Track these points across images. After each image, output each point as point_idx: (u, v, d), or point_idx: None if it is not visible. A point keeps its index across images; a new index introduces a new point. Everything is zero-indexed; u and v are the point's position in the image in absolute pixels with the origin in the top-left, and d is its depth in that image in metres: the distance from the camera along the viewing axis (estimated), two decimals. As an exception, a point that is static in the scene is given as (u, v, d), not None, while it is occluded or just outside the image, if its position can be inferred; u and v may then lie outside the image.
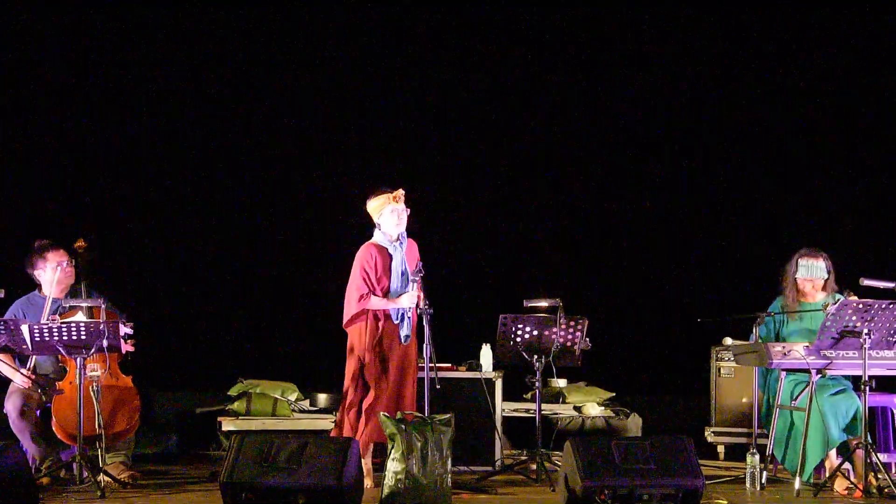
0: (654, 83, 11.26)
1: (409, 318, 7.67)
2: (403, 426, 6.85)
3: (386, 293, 7.74)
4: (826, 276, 7.96)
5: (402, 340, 7.73)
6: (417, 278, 7.61)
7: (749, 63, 11.19)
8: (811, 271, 7.96)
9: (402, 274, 7.73)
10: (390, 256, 7.78)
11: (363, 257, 7.75)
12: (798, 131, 11.15)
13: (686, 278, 11.14)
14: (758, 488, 7.59)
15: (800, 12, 10.95)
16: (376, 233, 7.82)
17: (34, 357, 7.72)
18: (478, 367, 8.62)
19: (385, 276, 7.75)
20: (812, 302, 7.99)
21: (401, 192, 7.74)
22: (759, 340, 7.83)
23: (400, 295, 7.71)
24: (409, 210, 7.78)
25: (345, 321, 7.84)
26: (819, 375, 7.52)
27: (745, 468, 7.64)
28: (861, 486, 7.31)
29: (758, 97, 11.20)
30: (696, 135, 11.29)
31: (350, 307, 7.77)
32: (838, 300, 7.51)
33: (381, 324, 7.74)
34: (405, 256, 7.80)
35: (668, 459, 6.76)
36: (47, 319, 7.62)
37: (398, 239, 7.79)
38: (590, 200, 11.37)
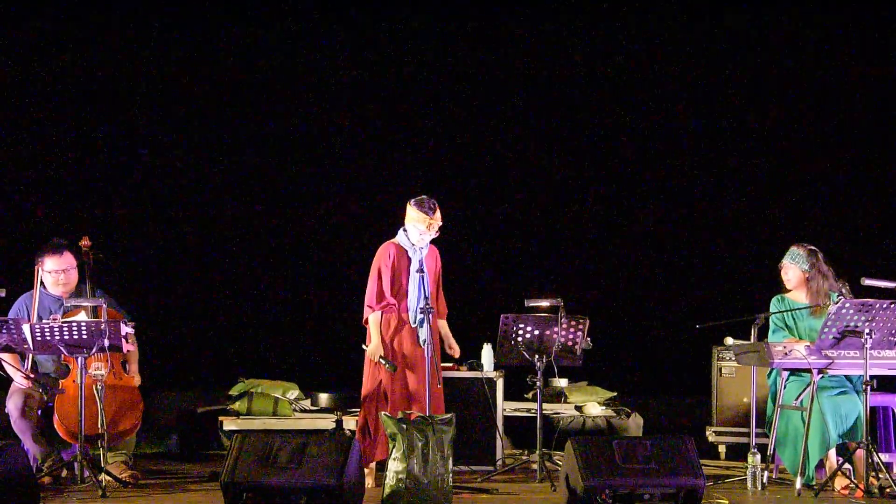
0: (655, 86, 11.27)
1: (428, 321, 7.69)
2: (404, 426, 6.85)
3: (402, 292, 7.81)
4: (805, 268, 7.91)
5: (420, 343, 7.75)
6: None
7: (749, 65, 11.20)
8: (787, 256, 7.97)
9: (418, 271, 7.78)
10: (409, 259, 7.86)
11: (381, 257, 7.87)
12: (797, 133, 11.15)
13: (687, 278, 11.13)
14: (759, 488, 7.59)
15: (797, 13, 10.96)
16: (401, 234, 7.89)
17: (30, 356, 7.71)
18: (479, 367, 8.63)
19: (402, 275, 7.85)
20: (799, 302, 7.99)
21: (438, 223, 7.81)
22: (766, 339, 7.84)
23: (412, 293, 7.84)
24: (437, 234, 7.85)
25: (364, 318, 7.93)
26: (820, 375, 7.52)
27: (747, 468, 7.64)
28: (862, 486, 7.31)
29: (756, 101, 11.20)
30: (697, 135, 11.29)
31: (367, 302, 7.87)
32: (839, 300, 7.51)
33: (398, 323, 7.80)
34: (424, 258, 7.87)
35: (669, 459, 6.75)
36: (49, 319, 7.63)
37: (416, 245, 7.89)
38: (590, 200, 11.37)
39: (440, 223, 7.83)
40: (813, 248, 7.97)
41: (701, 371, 9.50)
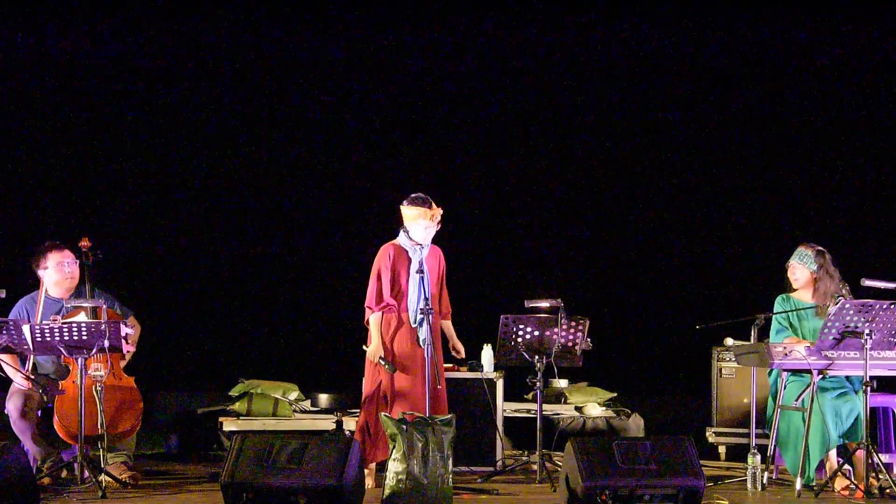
0: (655, 86, 11.27)
1: (428, 322, 7.68)
2: (404, 426, 6.85)
3: (402, 293, 7.80)
4: (813, 269, 7.92)
5: (420, 343, 7.74)
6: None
7: (748, 65, 11.20)
8: (795, 256, 7.97)
9: (418, 272, 7.75)
10: (409, 259, 7.85)
11: (381, 258, 7.85)
12: (797, 134, 11.15)
13: (687, 278, 11.13)
14: (759, 489, 7.59)
15: (796, 12, 10.97)
16: (402, 234, 7.86)
17: (31, 357, 7.72)
18: (479, 368, 8.63)
19: (402, 275, 7.83)
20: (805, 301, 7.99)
21: (439, 212, 7.81)
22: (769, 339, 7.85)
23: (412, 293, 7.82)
24: (439, 226, 7.83)
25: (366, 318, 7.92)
26: (820, 376, 7.52)
27: (747, 469, 7.64)
28: (862, 487, 7.31)
29: (756, 100, 11.20)
30: (696, 135, 11.29)
31: (367, 303, 7.86)
32: (839, 301, 7.50)
33: (398, 324, 7.80)
34: (424, 259, 7.84)
35: (669, 460, 6.76)
36: (49, 320, 7.62)
37: (420, 244, 7.84)
38: (591, 200, 11.37)
39: (441, 212, 7.81)
40: (821, 248, 7.97)
41: (701, 371, 9.50)
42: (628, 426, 9.44)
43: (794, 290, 8.04)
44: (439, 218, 7.81)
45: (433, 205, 7.79)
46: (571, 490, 6.77)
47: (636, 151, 11.34)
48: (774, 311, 7.96)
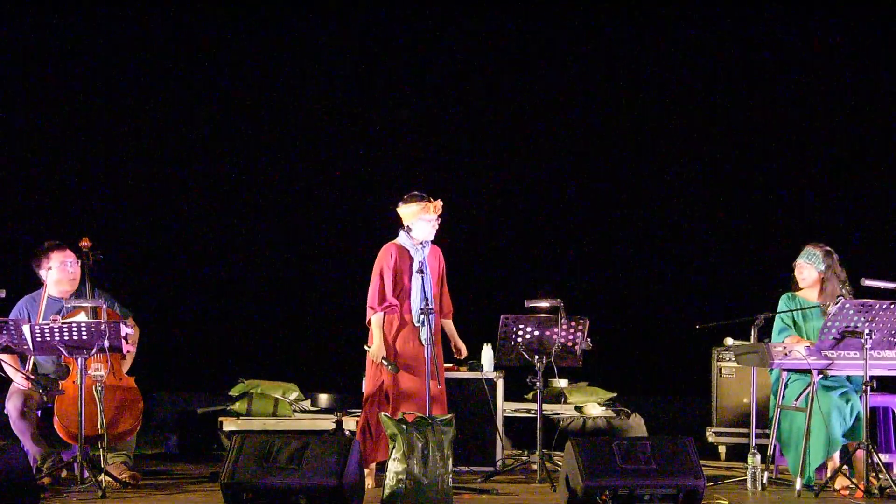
0: (656, 86, 11.27)
1: (429, 321, 7.67)
2: (404, 426, 6.85)
3: (405, 292, 7.79)
4: (821, 269, 7.91)
5: (423, 342, 7.73)
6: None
7: (749, 64, 11.20)
8: (803, 255, 7.96)
9: (419, 272, 7.75)
10: (411, 259, 7.83)
11: (383, 259, 7.83)
12: (797, 134, 11.16)
13: (687, 278, 11.14)
14: (759, 489, 7.58)
15: (799, 12, 10.97)
16: (402, 234, 7.84)
17: (31, 357, 7.72)
18: (479, 368, 8.62)
19: (405, 275, 7.81)
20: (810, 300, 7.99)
21: (439, 203, 7.79)
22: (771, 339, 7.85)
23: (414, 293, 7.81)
24: (439, 220, 7.82)
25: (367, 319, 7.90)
26: (820, 376, 7.52)
27: (747, 469, 7.64)
28: (862, 487, 7.31)
29: (757, 102, 11.20)
30: (697, 135, 11.29)
31: (369, 303, 7.84)
32: (839, 300, 7.50)
33: (401, 323, 7.79)
34: (426, 259, 7.82)
35: (669, 460, 6.76)
36: (49, 320, 7.62)
37: (422, 243, 7.83)
38: (591, 200, 11.37)
39: (441, 203, 7.80)
40: (828, 248, 7.96)
41: (701, 371, 9.50)
42: (630, 425, 9.43)
43: (800, 289, 8.03)
44: (441, 210, 7.80)
45: (431, 198, 7.79)
46: (571, 490, 6.77)
47: (637, 151, 11.34)
48: (779, 310, 7.96)
